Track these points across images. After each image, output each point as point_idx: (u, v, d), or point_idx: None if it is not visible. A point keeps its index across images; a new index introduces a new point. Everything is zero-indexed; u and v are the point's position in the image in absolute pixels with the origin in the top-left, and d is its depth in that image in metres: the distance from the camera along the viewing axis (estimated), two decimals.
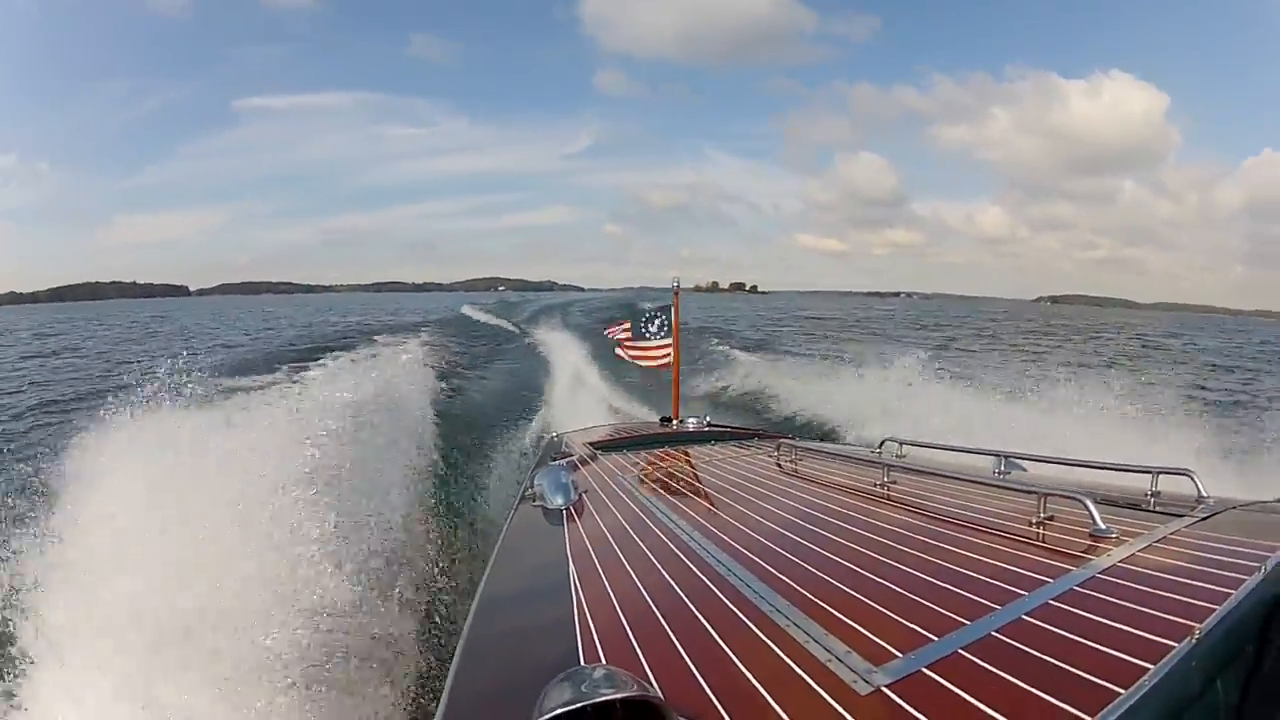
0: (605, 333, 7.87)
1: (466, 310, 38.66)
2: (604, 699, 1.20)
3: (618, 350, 7.61)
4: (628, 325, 7.41)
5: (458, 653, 1.96)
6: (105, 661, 3.21)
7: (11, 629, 3.65)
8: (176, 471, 4.54)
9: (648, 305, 7.60)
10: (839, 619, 1.72)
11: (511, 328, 28.30)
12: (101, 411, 5.46)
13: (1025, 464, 3.32)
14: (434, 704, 1.79)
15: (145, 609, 3.32)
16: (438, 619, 4.46)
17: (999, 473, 3.26)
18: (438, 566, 5.19)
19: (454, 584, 5.00)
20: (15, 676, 3.45)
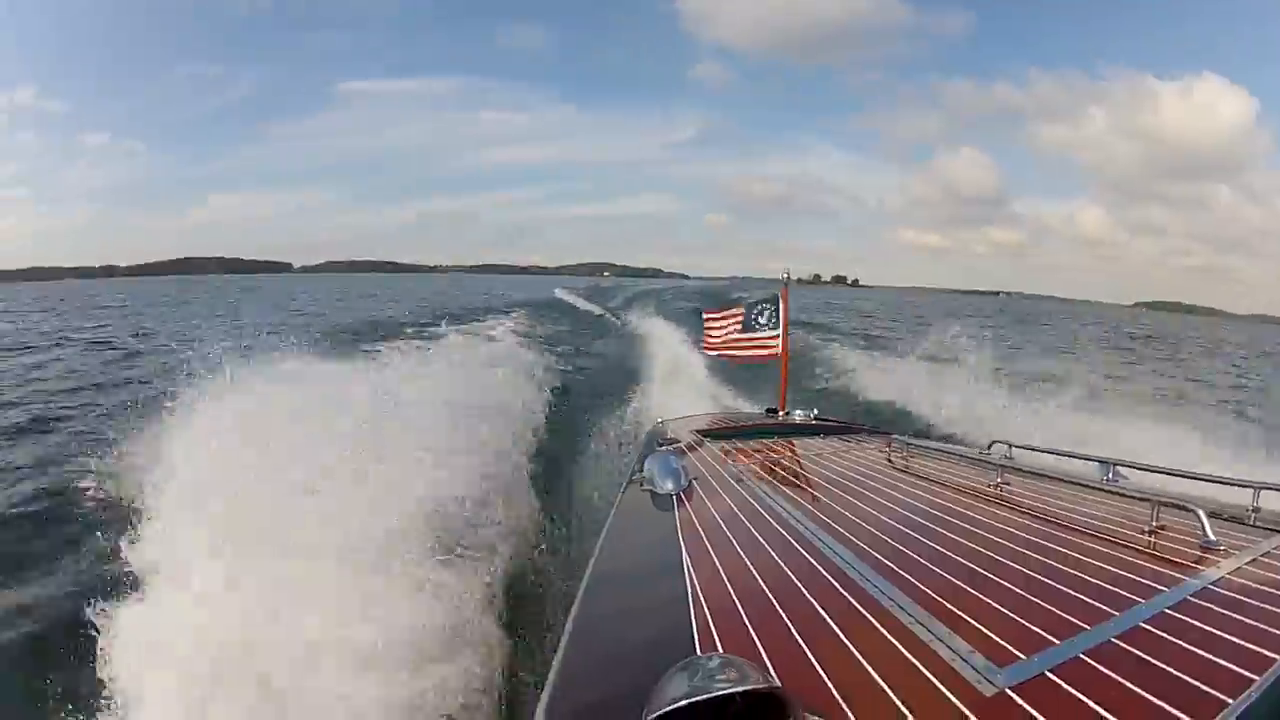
0: (704, 315, 7.62)
1: (560, 294, 38.71)
2: (731, 691, 1.18)
3: (706, 348, 7.47)
4: (739, 316, 7.20)
5: (566, 634, 1.97)
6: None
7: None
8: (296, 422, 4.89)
9: (741, 295, 7.43)
10: (961, 617, 1.70)
11: (607, 313, 28.41)
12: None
13: (1127, 472, 3.32)
14: (538, 684, 1.80)
15: (262, 544, 3.53)
16: (537, 599, 4.47)
17: (1107, 479, 3.23)
18: (538, 548, 5.20)
19: (553, 565, 5.01)
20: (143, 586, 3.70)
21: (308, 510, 3.87)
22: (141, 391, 8.47)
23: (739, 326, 7.17)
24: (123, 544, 4.18)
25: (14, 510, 5.81)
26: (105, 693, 3.17)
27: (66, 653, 3.57)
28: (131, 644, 3.32)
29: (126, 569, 3.97)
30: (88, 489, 6.03)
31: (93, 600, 3.58)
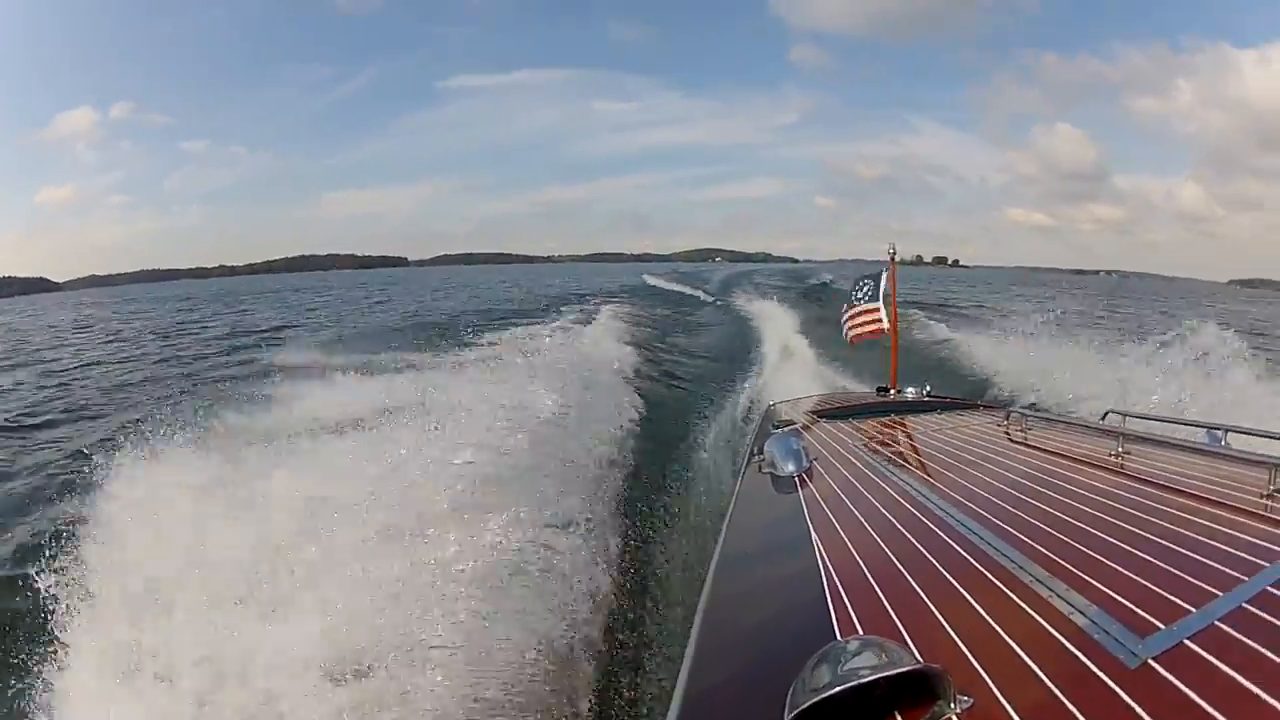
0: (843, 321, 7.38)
1: (649, 279, 37.29)
2: (886, 675, 1.16)
3: (848, 335, 7.28)
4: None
5: (698, 620, 1.98)
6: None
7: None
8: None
9: (827, 276, 7.19)
10: (1095, 586, 1.67)
11: (712, 298, 28.11)
12: None
13: (1238, 437, 3.24)
14: (669, 671, 1.77)
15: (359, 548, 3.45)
16: (660, 587, 4.42)
17: (1224, 445, 3.16)
18: (656, 533, 5.17)
19: (674, 547, 4.97)
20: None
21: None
22: None
23: (847, 306, 7.14)
24: None
25: None
26: None
27: None
28: None
29: None
30: None
31: None
